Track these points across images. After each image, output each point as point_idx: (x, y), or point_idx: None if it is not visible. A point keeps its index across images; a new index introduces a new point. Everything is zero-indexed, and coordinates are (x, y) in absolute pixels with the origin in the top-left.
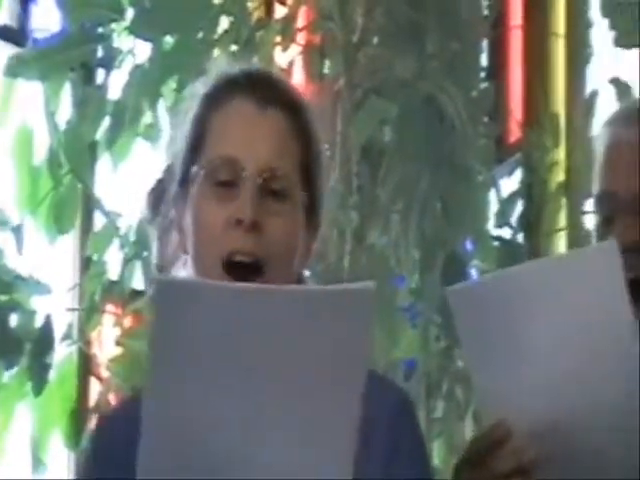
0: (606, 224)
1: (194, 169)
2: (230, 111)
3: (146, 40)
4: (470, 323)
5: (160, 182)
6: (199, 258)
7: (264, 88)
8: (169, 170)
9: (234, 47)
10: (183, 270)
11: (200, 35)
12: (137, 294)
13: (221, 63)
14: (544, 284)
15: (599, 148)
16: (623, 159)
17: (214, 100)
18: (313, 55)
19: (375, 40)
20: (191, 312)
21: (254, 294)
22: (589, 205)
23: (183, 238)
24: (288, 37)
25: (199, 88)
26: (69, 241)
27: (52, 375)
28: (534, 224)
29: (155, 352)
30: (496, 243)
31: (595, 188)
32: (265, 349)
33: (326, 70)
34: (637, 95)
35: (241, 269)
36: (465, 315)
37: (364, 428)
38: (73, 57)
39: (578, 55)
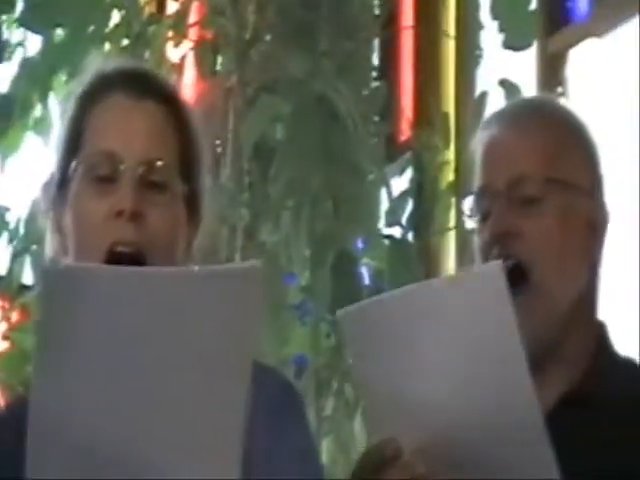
0: (484, 220)
1: (72, 166)
2: (106, 107)
3: (36, 33)
4: (360, 344)
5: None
6: (80, 254)
7: (139, 82)
8: (52, 174)
9: (125, 41)
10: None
11: (91, 29)
12: (25, 288)
13: (96, 62)
14: (433, 305)
15: (477, 149)
16: (496, 154)
17: (90, 98)
18: (205, 51)
19: (268, 37)
20: (75, 298)
21: (137, 276)
22: (468, 205)
23: (63, 239)
24: (180, 33)
25: (75, 88)
26: None
27: None
28: (424, 223)
29: (40, 342)
30: (386, 241)
31: (474, 187)
32: (149, 333)
33: (218, 67)
34: (524, 96)
35: (123, 260)
36: (355, 336)
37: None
38: None
39: (468, 56)
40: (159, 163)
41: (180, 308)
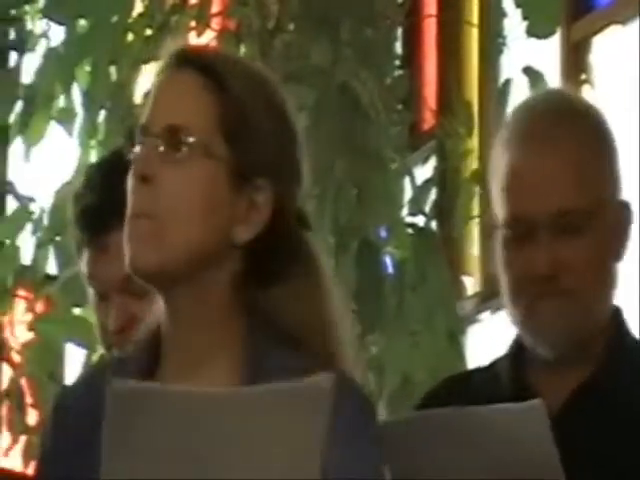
0: (518, 249)
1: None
2: (156, 83)
3: (60, 23)
4: (398, 456)
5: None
6: None
7: (184, 53)
8: None
9: (149, 31)
10: None
11: (114, 19)
12: (50, 279)
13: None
14: (472, 432)
15: (499, 169)
16: (529, 182)
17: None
18: (228, 41)
19: (291, 27)
20: (143, 419)
21: (205, 398)
22: (502, 235)
23: None
24: (203, 22)
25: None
26: None
27: None
28: (447, 211)
29: (107, 461)
30: (410, 230)
31: (502, 211)
32: (218, 456)
33: (241, 56)
34: (548, 84)
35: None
36: (396, 448)
37: None
38: None
39: (492, 44)
40: (184, 125)
41: (245, 431)
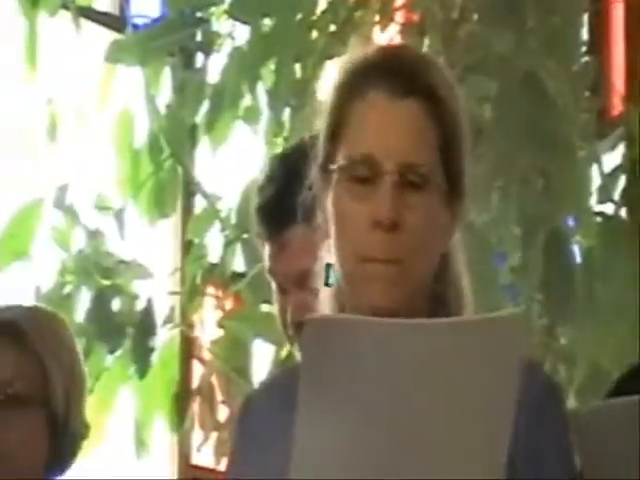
0: None
1: (332, 166)
2: (366, 104)
3: (244, 23)
4: (585, 445)
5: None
6: (339, 251)
7: (399, 76)
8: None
9: (333, 27)
10: (327, 254)
11: (299, 16)
12: (238, 276)
13: (357, 47)
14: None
15: None
16: None
17: (350, 90)
18: (412, 33)
19: (474, 17)
20: (339, 350)
21: (400, 328)
22: None
23: (325, 224)
24: (387, 16)
25: (338, 72)
26: (169, 224)
27: (154, 358)
28: (637, 199)
29: (304, 392)
30: (598, 219)
31: None
32: (415, 384)
33: (425, 48)
34: None
35: (378, 265)
36: (582, 437)
37: None
38: (172, 42)
39: None
40: (418, 162)
41: (444, 360)
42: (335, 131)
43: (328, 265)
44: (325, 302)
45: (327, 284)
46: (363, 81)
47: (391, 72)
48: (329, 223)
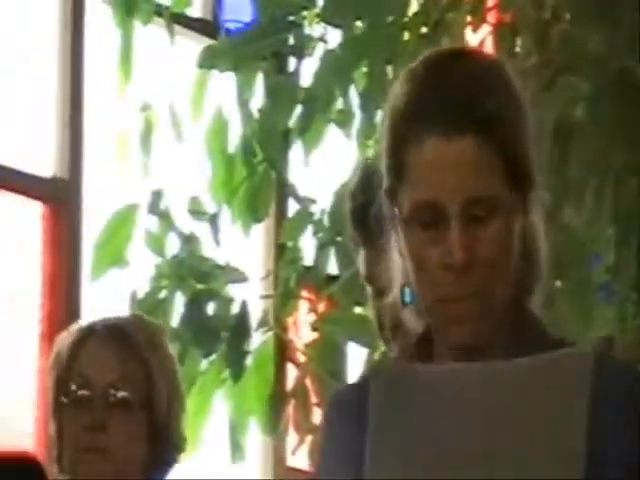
0: None
1: (397, 211)
2: (420, 149)
3: (337, 26)
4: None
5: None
6: (417, 289)
7: (452, 113)
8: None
9: (424, 29)
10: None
11: (390, 18)
12: (331, 279)
13: (406, 80)
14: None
15: None
16: None
17: (403, 133)
18: (504, 34)
19: (567, 16)
20: (408, 400)
21: (469, 373)
22: None
23: (405, 264)
24: (479, 16)
25: (391, 111)
26: (263, 228)
27: (249, 362)
28: None
29: (374, 441)
30: None
31: None
32: (484, 427)
33: (517, 49)
34: None
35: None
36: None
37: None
38: (265, 46)
39: None
40: (483, 196)
41: (512, 402)
42: (395, 172)
43: (403, 286)
44: (411, 320)
45: (404, 304)
46: (416, 125)
47: (443, 110)
48: (404, 258)
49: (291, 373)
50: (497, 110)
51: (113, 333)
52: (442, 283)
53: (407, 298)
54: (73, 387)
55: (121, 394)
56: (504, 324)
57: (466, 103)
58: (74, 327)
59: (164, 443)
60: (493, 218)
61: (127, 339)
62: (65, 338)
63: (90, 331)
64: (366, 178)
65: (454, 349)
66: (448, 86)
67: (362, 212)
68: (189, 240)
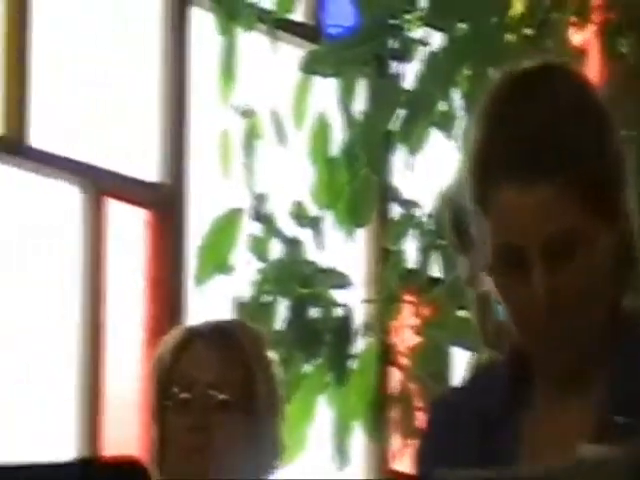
0: None
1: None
2: (498, 196)
3: (439, 29)
4: None
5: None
6: (510, 322)
7: (528, 163)
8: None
9: (528, 31)
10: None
11: (494, 20)
12: (435, 282)
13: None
14: None
15: None
16: None
17: (482, 180)
18: (609, 33)
19: None
20: None
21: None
22: None
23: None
24: (584, 16)
25: (471, 155)
26: (365, 231)
27: (352, 365)
28: None
29: None
30: None
31: None
32: None
33: (622, 48)
34: None
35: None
36: None
37: None
38: (367, 50)
39: None
40: (564, 231)
41: None
42: (477, 215)
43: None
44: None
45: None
46: (494, 173)
47: (521, 158)
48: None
49: (394, 377)
50: (579, 152)
51: (217, 335)
52: (533, 323)
53: (501, 316)
54: (175, 389)
55: (222, 396)
56: (600, 337)
57: (545, 149)
58: (176, 330)
59: (264, 446)
60: (579, 249)
61: (231, 342)
62: (168, 341)
63: (194, 334)
64: (463, 186)
65: (554, 373)
66: (526, 130)
67: (460, 219)
68: (292, 244)
